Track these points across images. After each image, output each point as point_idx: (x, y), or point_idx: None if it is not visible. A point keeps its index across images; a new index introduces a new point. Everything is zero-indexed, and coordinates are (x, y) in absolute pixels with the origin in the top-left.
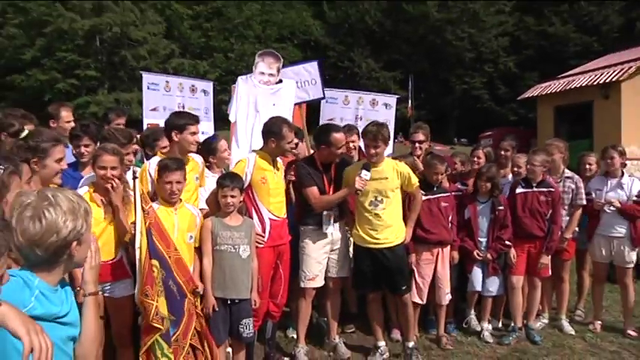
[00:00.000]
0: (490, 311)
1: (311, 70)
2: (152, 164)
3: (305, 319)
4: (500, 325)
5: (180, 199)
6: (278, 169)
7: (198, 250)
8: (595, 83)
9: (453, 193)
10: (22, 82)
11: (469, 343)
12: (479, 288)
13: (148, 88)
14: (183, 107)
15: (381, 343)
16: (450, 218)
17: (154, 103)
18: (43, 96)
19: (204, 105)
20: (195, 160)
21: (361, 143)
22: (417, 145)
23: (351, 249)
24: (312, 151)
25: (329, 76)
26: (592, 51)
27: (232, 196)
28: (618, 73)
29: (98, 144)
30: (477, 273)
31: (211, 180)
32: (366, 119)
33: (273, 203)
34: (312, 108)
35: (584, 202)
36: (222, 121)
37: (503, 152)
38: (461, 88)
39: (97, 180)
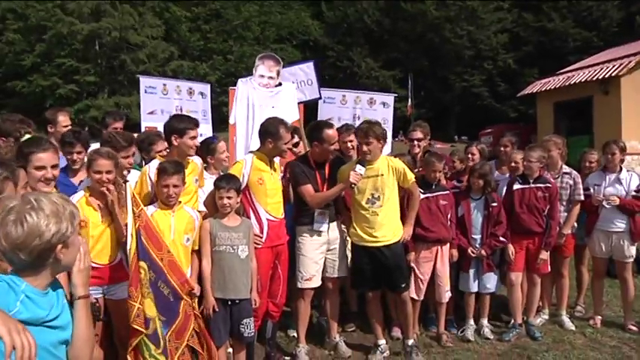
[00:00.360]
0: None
1: (307, 70)
2: (152, 167)
3: (304, 319)
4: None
5: (180, 202)
6: (275, 170)
7: (198, 253)
8: (594, 79)
9: (451, 191)
10: (23, 88)
11: (469, 340)
12: (474, 289)
13: (146, 91)
14: (181, 110)
15: (382, 342)
16: (449, 216)
17: (152, 106)
18: (45, 102)
19: (201, 107)
20: (195, 161)
21: None
22: (415, 143)
23: (348, 248)
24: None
25: (328, 76)
26: (592, 46)
27: (229, 197)
28: (618, 68)
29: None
30: (470, 274)
31: (209, 181)
32: (364, 118)
33: (271, 204)
34: (310, 108)
35: (582, 198)
36: (221, 123)
37: (502, 148)
38: (460, 85)
39: (92, 184)
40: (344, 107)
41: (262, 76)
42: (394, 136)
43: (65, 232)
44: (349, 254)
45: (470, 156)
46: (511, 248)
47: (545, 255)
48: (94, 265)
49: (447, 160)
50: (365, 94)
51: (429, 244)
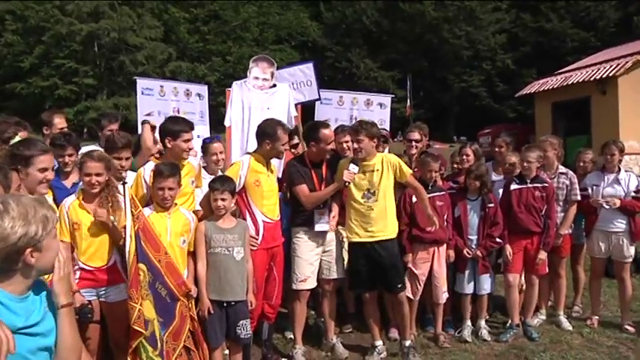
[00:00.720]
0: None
1: (306, 71)
2: (147, 169)
3: (301, 321)
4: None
5: (176, 204)
6: (272, 172)
7: (194, 254)
8: (592, 79)
9: (447, 192)
10: (22, 89)
11: (466, 341)
12: (469, 290)
13: (143, 93)
14: (178, 111)
15: (379, 343)
16: (445, 217)
17: (149, 107)
18: (44, 103)
19: (199, 109)
20: (191, 163)
21: None
22: (413, 143)
23: (345, 249)
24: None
25: (327, 77)
26: (589, 46)
27: (223, 199)
28: (615, 68)
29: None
30: (466, 275)
31: (206, 182)
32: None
33: (267, 205)
34: (307, 109)
35: (579, 198)
36: (219, 124)
37: (497, 149)
38: (459, 86)
39: (85, 187)
40: (341, 108)
41: (257, 77)
42: (392, 137)
43: (34, 235)
44: (346, 256)
45: (465, 157)
46: (509, 249)
47: (543, 255)
48: (87, 267)
49: (442, 160)
50: (362, 95)
51: (425, 245)
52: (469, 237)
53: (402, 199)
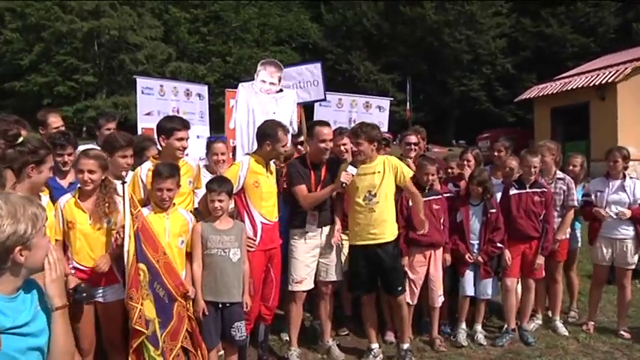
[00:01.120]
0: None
1: (314, 70)
2: (143, 170)
3: (296, 323)
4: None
5: (174, 204)
6: (271, 173)
7: (191, 255)
8: (591, 84)
9: (444, 195)
10: (22, 87)
11: (462, 346)
12: (470, 292)
13: (143, 92)
14: (178, 111)
15: (375, 346)
16: (442, 220)
17: (149, 107)
18: (43, 101)
19: (199, 109)
20: (189, 163)
21: None
22: (412, 146)
23: (343, 253)
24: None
25: (327, 79)
26: (589, 52)
27: (220, 201)
28: (614, 74)
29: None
30: (468, 277)
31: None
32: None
33: (265, 207)
34: (306, 110)
35: (576, 204)
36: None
37: (496, 153)
38: (459, 89)
39: (80, 185)
40: (340, 111)
41: (264, 81)
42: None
43: (24, 233)
44: (344, 259)
45: (465, 162)
46: (508, 254)
47: (541, 260)
48: (81, 267)
49: (440, 164)
50: (361, 98)
51: (422, 248)
52: (471, 242)
53: (399, 203)
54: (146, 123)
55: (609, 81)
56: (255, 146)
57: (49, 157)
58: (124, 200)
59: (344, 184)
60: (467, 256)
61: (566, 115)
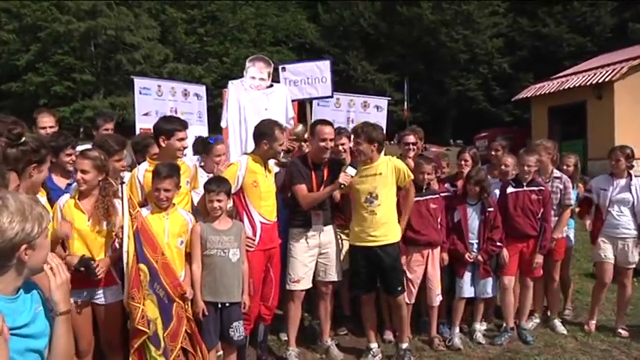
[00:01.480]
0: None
1: (323, 67)
2: (141, 170)
3: (295, 322)
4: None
5: (173, 204)
6: (270, 172)
7: (190, 256)
8: (588, 84)
9: (441, 195)
10: (18, 88)
11: (461, 344)
12: (468, 294)
13: (140, 92)
14: (176, 112)
15: (374, 345)
16: (439, 220)
17: (146, 107)
18: (39, 101)
19: (197, 109)
20: (187, 164)
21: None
22: (410, 146)
23: (343, 252)
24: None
25: None
26: (586, 51)
27: (219, 201)
28: (611, 73)
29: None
30: (466, 279)
31: (204, 181)
32: (358, 122)
33: (264, 207)
34: (304, 111)
35: (572, 203)
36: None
37: (493, 152)
38: (456, 89)
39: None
40: (338, 110)
41: (253, 77)
42: (389, 139)
43: (30, 232)
44: (343, 258)
45: (463, 162)
46: (505, 252)
47: (540, 258)
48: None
49: (438, 163)
50: (359, 98)
51: (419, 248)
52: (470, 241)
53: (396, 203)
54: (144, 123)
55: (606, 80)
56: (249, 144)
57: (49, 157)
58: (122, 201)
59: (342, 185)
60: (466, 256)
61: (563, 115)
